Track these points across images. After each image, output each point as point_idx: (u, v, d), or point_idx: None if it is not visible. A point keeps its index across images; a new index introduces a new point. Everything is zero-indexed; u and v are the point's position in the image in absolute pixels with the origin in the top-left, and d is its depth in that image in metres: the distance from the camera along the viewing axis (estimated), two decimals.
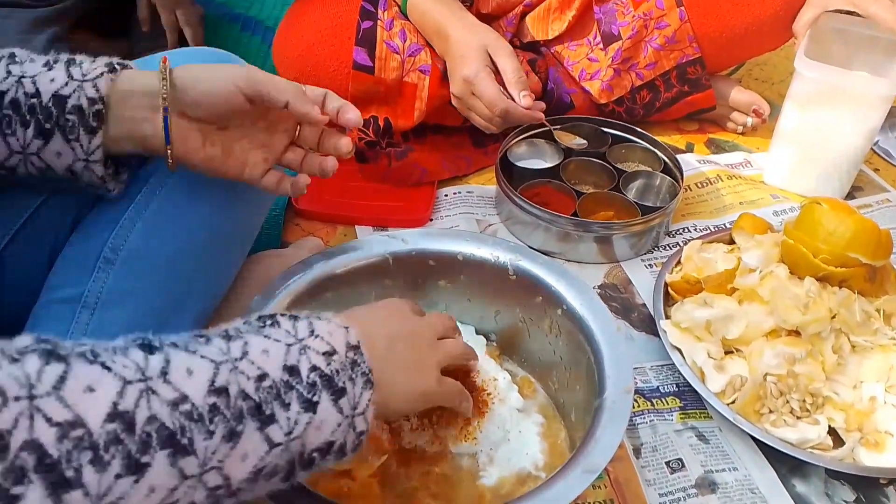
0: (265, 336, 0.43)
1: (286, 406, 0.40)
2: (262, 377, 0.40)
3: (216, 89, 0.57)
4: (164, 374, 0.37)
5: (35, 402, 0.31)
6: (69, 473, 0.31)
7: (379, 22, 0.99)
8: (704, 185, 1.08)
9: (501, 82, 0.94)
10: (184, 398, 0.36)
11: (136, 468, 0.34)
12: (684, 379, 0.74)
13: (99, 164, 0.58)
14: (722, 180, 1.09)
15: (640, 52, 1.08)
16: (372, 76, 0.98)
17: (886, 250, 0.78)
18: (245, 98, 0.57)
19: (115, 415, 0.33)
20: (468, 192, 1.07)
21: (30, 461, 0.30)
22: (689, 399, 0.76)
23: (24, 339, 0.34)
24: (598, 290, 0.91)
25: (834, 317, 0.74)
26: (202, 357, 0.39)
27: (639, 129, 1.07)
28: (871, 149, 1.16)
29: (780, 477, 0.69)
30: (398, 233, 0.68)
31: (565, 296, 0.64)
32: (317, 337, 0.44)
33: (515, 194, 0.95)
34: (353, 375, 0.44)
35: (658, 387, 0.78)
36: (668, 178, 1.01)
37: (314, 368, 0.43)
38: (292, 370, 0.42)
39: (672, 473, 0.69)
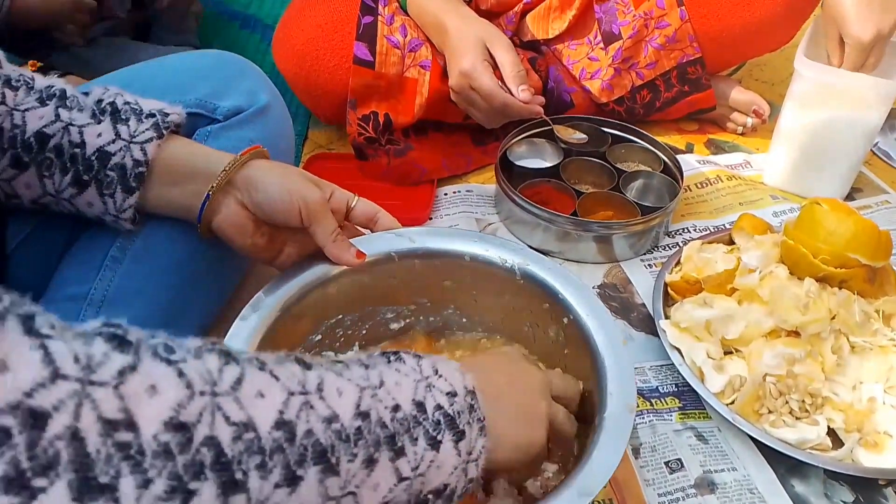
0: (396, 370, 0.43)
1: (414, 441, 0.40)
2: (396, 408, 0.40)
3: (282, 200, 0.59)
4: (319, 390, 0.37)
5: (217, 400, 0.31)
6: (238, 476, 0.31)
7: (379, 17, 0.99)
8: (704, 185, 1.08)
9: (500, 76, 0.94)
10: (335, 417, 0.36)
11: (291, 480, 0.33)
12: (683, 379, 0.74)
13: (128, 221, 0.60)
14: (722, 181, 1.09)
15: (640, 51, 1.08)
16: (372, 71, 0.98)
17: (886, 251, 0.78)
18: (299, 219, 0.60)
19: (281, 423, 0.33)
20: (468, 190, 1.07)
21: (208, 457, 0.30)
22: (689, 399, 0.76)
23: (195, 340, 0.34)
24: (598, 290, 0.91)
25: (833, 317, 0.74)
26: (348, 380, 0.39)
27: (639, 129, 1.07)
28: (871, 150, 1.17)
29: (778, 477, 0.69)
30: (405, 231, 0.67)
31: (573, 305, 0.63)
32: (440, 376, 0.45)
33: (515, 193, 0.95)
34: (471, 420, 0.44)
35: (657, 387, 0.78)
36: (668, 178, 1.01)
37: (439, 407, 0.43)
38: (420, 406, 0.42)
39: (671, 473, 0.69)
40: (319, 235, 0.61)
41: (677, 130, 1.21)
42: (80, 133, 0.56)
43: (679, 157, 1.03)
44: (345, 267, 0.64)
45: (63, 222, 0.63)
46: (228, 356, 0.34)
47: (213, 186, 0.59)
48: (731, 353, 0.77)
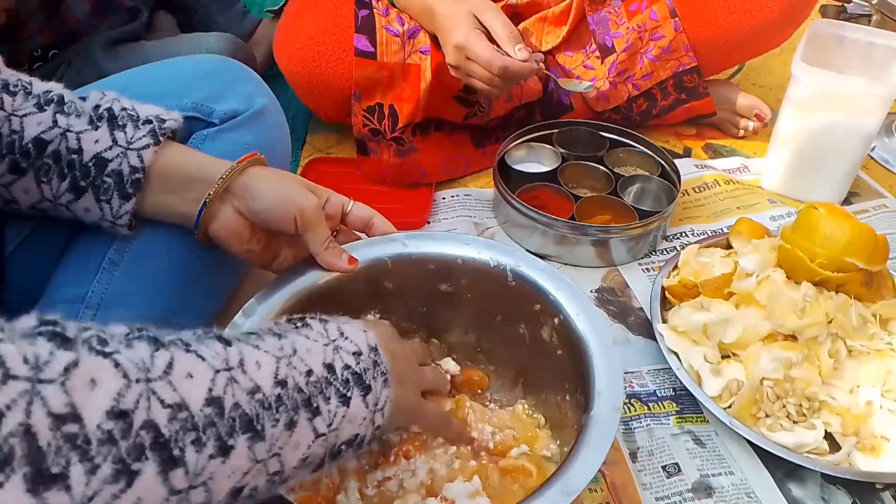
0: (305, 336, 0.46)
1: (327, 400, 0.44)
2: (309, 373, 0.43)
3: (278, 208, 0.60)
4: (241, 364, 0.39)
5: (151, 385, 0.33)
6: (176, 452, 0.33)
7: (375, 10, 0.99)
8: (702, 189, 1.08)
9: (495, 44, 0.93)
10: (257, 388, 0.39)
11: (224, 450, 0.36)
12: (681, 383, 0.74)
13: (125, 227, 0.60)
14: (719, 185, 1.09)
15: (635, 63, 1.08)
16: (375, 61, 0.98)
17: (883, 255, 0.78)
18: (295, 226, 0.60)
19: (210, 400, 0.36)
20: (466, 194, 1.07)
21: (147, 440, 0.32)
22: (686, 403, 0.76)
23: (122, 327, 0.36)
24: (595, 294, 0.91)
25: (830, 321, 0.74)
26: (265, 352, 0.42)
27: (637, 134, 1.08)
28: (869, 155, 1.17)
29: (776, 481, 0.69)
30: (398, 235, 0.68)
31: (563, 305, 0.63)
32: (346, 338, 0.48)
33: (513, 197, 0.95)
34: (376, 374, 0.48)
35: (655, 391, 0.78)
36: (666, 182, 1.01)
37: (347, 367, 0.46)
38: (330, 367, 0.45)
39: (668, 477, 0.69)
40: (312, 243, 0.61)
41: (675, 135, 1.21)
42: (78, 139, 0.56)
43: (677, 161, 1.04)
44: (338, 274, 0.64)
45: (61, 225, 0.63)
46: (156, 342, 0.36)
47: (210, 194, 0.59)
48: (728, 356, 0.77)
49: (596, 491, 0.68)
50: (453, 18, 0.94)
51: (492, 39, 0.93)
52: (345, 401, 0.45)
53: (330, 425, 0.44)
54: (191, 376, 0.36)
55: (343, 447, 0.46)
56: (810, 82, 0.97)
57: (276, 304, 0.61)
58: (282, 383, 0.41)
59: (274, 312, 0.61)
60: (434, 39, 1.00)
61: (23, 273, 0.64)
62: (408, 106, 1.01)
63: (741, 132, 1.19)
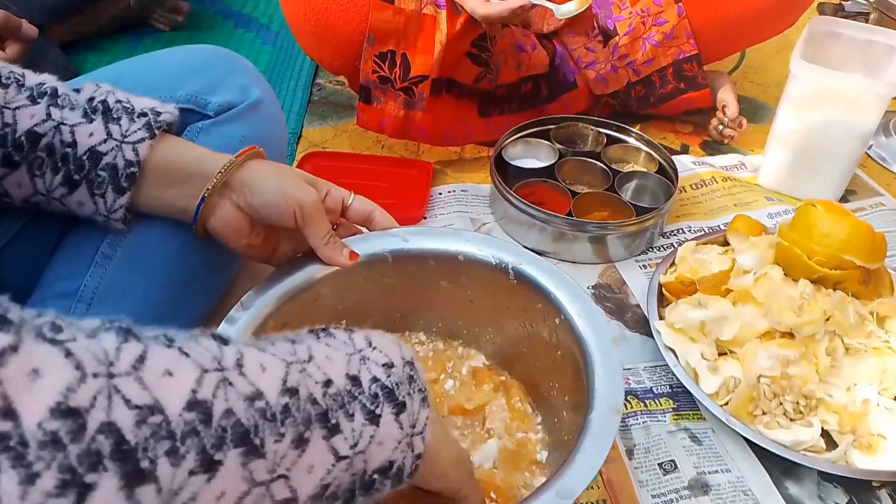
0: (326, 344, 0.41)
1: (350, 417, 0.38)
2: (327, 383, 0.38)
3: (276, 203, 0.58)
4: (239, 365, 0.34)
5: (113, 381, 0.28)
6: (145, 464, 0.28)
7: None
8: (699, 186, 1.08)
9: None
10: (259, 394, 0.34)
11: (209, 466, 0.30)
12: (678, 380, 0.74)
13: (119, 222, 0.60)
14: (717, 182, 1.09)
15: (637, 49, 1.08)
16: (392, 6, 0.96)
17: (881, 253, 0.78)
18: (294, 221, 0.59)
19: (193, 403, 0.30)
20: (462, 190, 1.07)
21: (106, 446, 0.27)
22: (683, 400, 0.76)
23: (92, 321, 0.31)
24: (592, 291, 0.91)
25: (828, 319, 0.74)
26: (272, 355, 0.36)
27: (634, 130, 1.07)
28: (866, 152, 1.17)
29: (772, 479, 0.69)
30: (399, 231, 0.67)
31: (564, 304, 0.62)
32: (375, 349, 0.43)
33: (510, 193, 0.94)
34: (411, 391, 0.43)
35: (651, 388, 0.78)
36: (663, 178, 1.01)
37: (375, 380, 0.41)
38: (354, 379, 0.40)
39: (665, 475, 0.69)
40: (312, 238, 0.61)
41: (672, 131, 1.21)
42: (72, 132, 0.56)
43: (674, 157, 1.03)
44: (337, 269, 0.63)
45: (54, 219, 0.62)
46: (128, 333, 0.30)
47: (208, 189, 0.58)
48: (725, 354, 0.77)
49: (592, 488, 0.68)
50: None
51: None
52: (373, 418, 0.39)
53: (354, 446, 0.38)
54: (169, 374, 0.30)
55: (376, 477, 0.40)
56: (808, 79, 0.96)
57: (274, 298, 0.61)
58: (291, 391, 0.35)
59: (272, 306, 0.61)
60: None
61: (15, 268, 0.63)
62: (420, 57, 0.98)
63: (719, 128, 1.16)
